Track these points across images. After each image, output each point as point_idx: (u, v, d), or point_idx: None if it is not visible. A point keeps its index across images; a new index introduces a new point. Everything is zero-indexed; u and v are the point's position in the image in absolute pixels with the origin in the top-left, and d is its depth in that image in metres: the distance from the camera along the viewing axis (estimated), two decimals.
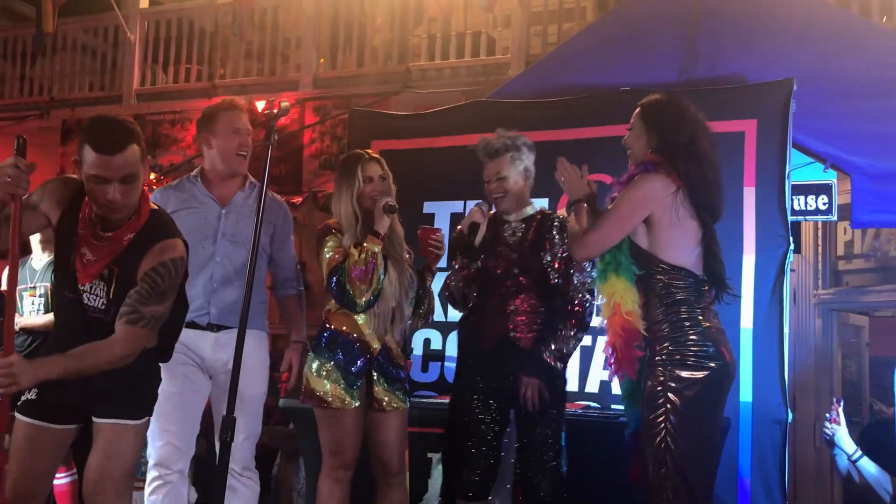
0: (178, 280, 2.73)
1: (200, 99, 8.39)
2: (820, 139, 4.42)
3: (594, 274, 3.13)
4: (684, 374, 2.82)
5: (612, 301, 2.95)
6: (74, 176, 2.73)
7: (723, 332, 2.95)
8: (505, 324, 3.30)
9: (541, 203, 3.74)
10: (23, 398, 2.77)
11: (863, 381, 7.41)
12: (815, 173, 4.88)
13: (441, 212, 4.54)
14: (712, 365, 2.84)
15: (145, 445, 3.17)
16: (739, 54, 4.42)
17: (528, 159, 3.40)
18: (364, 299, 3.17)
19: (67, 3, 8.88)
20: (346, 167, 3.33)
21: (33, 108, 9.80)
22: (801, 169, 4.66)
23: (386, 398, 3.26)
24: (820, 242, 6.77)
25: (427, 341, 4.45)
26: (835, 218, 5.21)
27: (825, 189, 5.06)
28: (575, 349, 3.35)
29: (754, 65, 4.32)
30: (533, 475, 3.23)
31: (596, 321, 3.43)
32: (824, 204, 5.08)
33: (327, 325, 3.28)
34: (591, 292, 3.26)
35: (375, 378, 3.26)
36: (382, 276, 3.19)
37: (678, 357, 2.84)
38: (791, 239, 3.90)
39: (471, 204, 3.50)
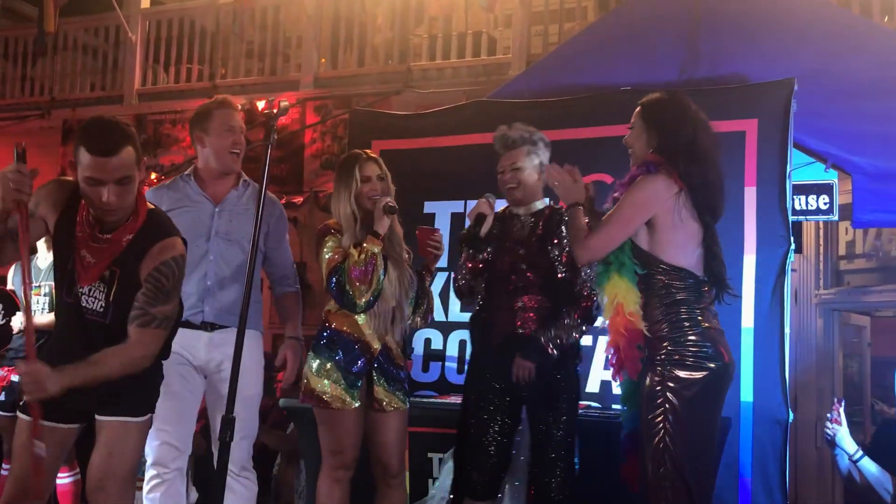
0: (182, 278, 2.74)
1: (201, 99, 8.33)
2: (821, 139, 4.41)
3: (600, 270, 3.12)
4: (683, 374, 2.82)
5: (616, 301, 2.94)
6: (70, 178, 2.73)
7: (722, 332, 2.94)
8: (513, 320, 3.30)
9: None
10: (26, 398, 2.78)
11: (864, 381, 7.40)
12: (816, 173, 4.87)
13: (442, 212, 4.54)
14: (711, 365, 2.84)
15: None
16: (740, 54, 4.41)
17: (543, 155, 3.41)
18: (364, 300, 3.17)
19: (68, 3, 8.89)
20: (344, 167, 3.33)
21: (34, 108, 9.81)
22: (801, 169, 4.65)
23: (386, 399, 3.26)
24: (821, 242, 6.77)
25: (428, 341, 4.45)
26: (836, 218, 5.20)
27: (826, 189, 5.05)
28: (576, 341, 3.31)
29: (755, 64, 4.31)
30: (544, 473, 3.22)
31: (597, 321, 3.43)
32: (825, 204, 5.08)
33: (328, 325, 3.28)
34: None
35: (376, 378, 3.26)
36: (382, 277, 3.19)
37: (677, 357, 2.84)
38: (792, 239, 3.90)
39: (472, 204, 3.51)
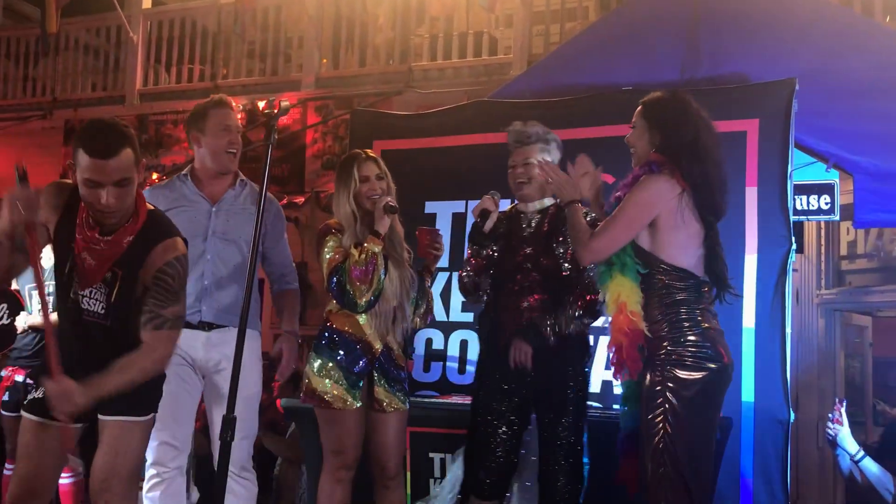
0: (186, 277, 2.74)
1: (203, 99, 8.37)
2: (822, 139, 4.41)
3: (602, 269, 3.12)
4: (683, 374, 2.82)
5: (619, 301, 2.94)
6: (69, 181, 2.73)
7: (721, 333, 2.94)
8: (519, 320, 3.29)
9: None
10: (29, 397, 2.79)
11: (866, 381, 7.40)
12: (818, 173, 4.88)
13: (443, 212, 4.54)
14: (711, 366, 2.84)
15: None
16: (741, 54, 4.41)
17: (555, 155, 3.42)
18: (364, 299, 3.17)
19: (70, 3, 8.90)
20: (344, 167, 3.34)
21: (36, 109, 9.81)
22: (803, 168, 4.65)
23: (386, 399, 3.27)
24: (823, 242, 6.76)
25: (429, 341, 4.45)
26: (837, 218, 5.21)
27: (827, 189, 5.05)
28: (575, 331, 3.28)
29: (756, 64, 4.31)
30: (550, 473, 3.22)
31: (598, 321, 3.43)
32: (826, 204, 5.08)
33: (329, 326, 3.28)
34: None
35: (377, 379, 3.26)
36: (383, 276, 3.19)
37: (676, 357, 2.84)
38: (793, 239, 3.90)
39: (473, 204, 3.50)
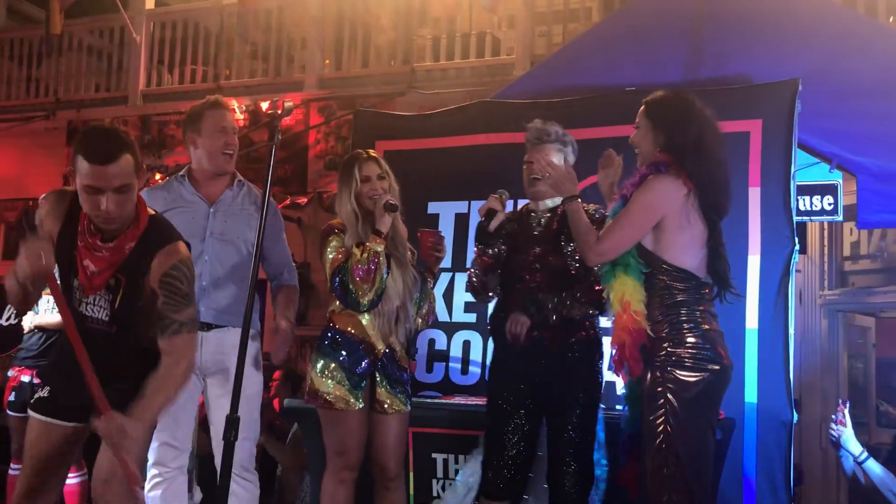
0: (193, 278, 2.74)
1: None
2: (825, 139, 4.41)
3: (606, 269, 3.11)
4: (683, 375, 2.82)
5: (623, 299, 2.93)
6: (69, 188, 2.73)
7: (721, 334, 2.94)
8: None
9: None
10: (36, 396, 2.80)
11: (869, 382, 7.38)
12: (821, 174, 4.87)
13: (446, 212, 4.54)
14: (711, 367, 2.84)
15: None
16: (745, 54, 4.41)
17: (570, 157, 3.43)
18: (367, 299, 3.17)
19: (74, 5, 8.91)
20: (345, 167, 3.35)
21: (39, 109, 9.82)
22: (806, 169, 4.65)
23: (388, 400, 3.27)
24: (826, 243, 6.76)
25: (432, 342, 4.45)
26: (840, 218, 5.20)
27: (830, 189, 5.05)
28: (578, 315, 3.27)
29: (759, 65, 4.31)
30: (559, 474, 3.22)
31: (603, 321, 3.42)
32: (829, 204, 5.08)
33: (332, 326, 3.28)
34: None
35: (379, 380, 3.26)
36: (385, 276, 3.20)
37: (676, 358, 2.84)
38: (796, 239, 3.89)
39: (477, 204, 3.50)
